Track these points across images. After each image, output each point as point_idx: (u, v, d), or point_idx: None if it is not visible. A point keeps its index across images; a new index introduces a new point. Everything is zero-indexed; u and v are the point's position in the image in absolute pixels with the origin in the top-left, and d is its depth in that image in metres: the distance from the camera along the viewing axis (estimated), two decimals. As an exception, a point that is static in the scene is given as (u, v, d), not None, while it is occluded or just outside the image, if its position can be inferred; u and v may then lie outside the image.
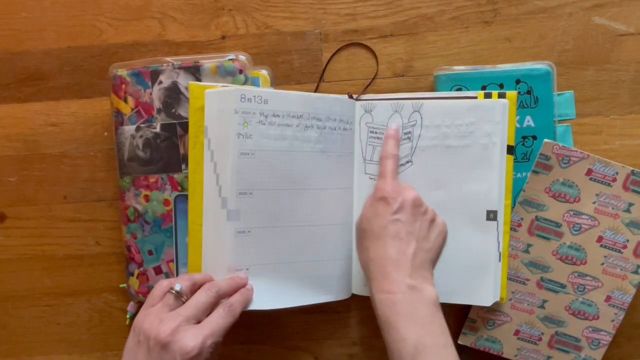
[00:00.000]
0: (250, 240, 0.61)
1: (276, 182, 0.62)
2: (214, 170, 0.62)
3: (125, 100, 0.66)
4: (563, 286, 0.68)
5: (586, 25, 0.69)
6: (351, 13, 0.70)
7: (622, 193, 0.66)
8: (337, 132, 0.65)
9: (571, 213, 0.67)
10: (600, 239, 0.67)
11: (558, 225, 0.68)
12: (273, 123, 0.61)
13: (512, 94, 0.64)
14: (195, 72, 0.65)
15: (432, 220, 0.60)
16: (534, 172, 0.67)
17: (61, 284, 0.73)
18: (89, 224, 0.72)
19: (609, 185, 0.66)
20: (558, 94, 0.67)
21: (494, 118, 0.64)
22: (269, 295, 0.63)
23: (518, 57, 0.69)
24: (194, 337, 0.53)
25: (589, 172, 0.66)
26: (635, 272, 0.67)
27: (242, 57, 0.65)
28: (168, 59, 0.66)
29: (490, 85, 0.66)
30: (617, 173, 0.66)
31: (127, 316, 0.72)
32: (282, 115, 0.62)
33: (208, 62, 0.65)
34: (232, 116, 0.60)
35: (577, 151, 0.66)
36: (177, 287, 0.57)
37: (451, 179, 0.65)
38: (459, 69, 0.68)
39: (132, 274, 0.68)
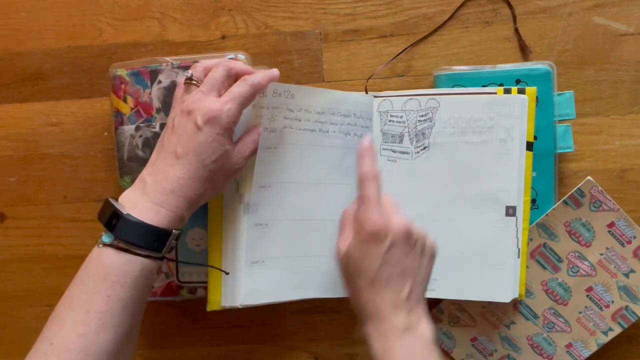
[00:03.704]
0: (267, 233, 0.62)
1: (294, 176, 0.63)
2: None
3: (125, 100, 0.66)
4: (536, 316, 0.69)
5: (586, 25, 0.69)
6: (351, 13, 0.70)
7: (630, 257, 0.67)
8: (356, 127, 0.66)
9: (576, 254, 0.68)
10: (590, 289, 0.68)
11: (560, 260, 0.68)
12: (296, 118, 0.62)
13: (531, 89, 0.64)
14: (195, 72, 0.65)
15: (423, 248, 0.58)
16: (564, 202, 0.67)
17: (61, 284, 0.72)
18: (89, 224, 0.72)
19: (622, 244, 0.67)
20: (558, 94, 0.67)
21: (513, 113, 0.64)
22: (284, 287, 0.63)
23: (518, 57, 0.69)
24: (214, 102, 0.55)
25: (611, 224, 0.67)
26: (605, 334, 0.68)
27: (241, 56, 0.65)
28: (167, 58, 0.66)
29: (490, 85, 0.66)
30: (634, 237, 0.67)
31: (127, 316, 0.72)
32: (304, 110, 0.62)
33: (207, 62, 0.65)
34: (251, 110, 0.61)
35: (611, 201, 0.66)
36: (189, 74, 0.58)
37: (470, 174, 0.65)
38: (459, 69, 0.68)
39: (132, 274, 0.68)
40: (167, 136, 0.57)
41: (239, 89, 0.56)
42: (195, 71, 0.58)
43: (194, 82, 0.58)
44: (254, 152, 0.59)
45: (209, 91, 0.56)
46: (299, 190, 0.63)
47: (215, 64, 0.58)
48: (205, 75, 0.58)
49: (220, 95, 0.57)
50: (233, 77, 0.59)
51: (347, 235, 0.59)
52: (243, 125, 0.61)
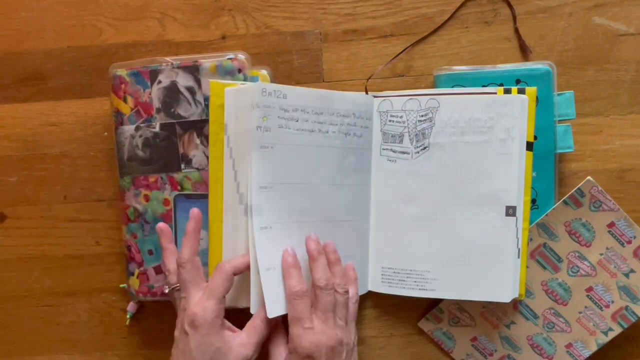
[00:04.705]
0: (272, 236, 0.61)
1: (295, 177, 0.63)
2: (233, 167, 0.62)
3: (125, 100, 0.66)
4: (536, 316, 0.69)
5: (586, 25, 0.69)
6: (351, 13, 0.70)
7: (630, 257, 0.67)
8: (356, 128, 0.66)
9: (576, 254, 0.68)
10: (590, 289, 0.68)
11: (560, 260, 0.68)
12: (292, 118, 0.62)
13: (531, 89, 0.64)
14: (194, 71, 0.65)
15: (352, 350, 0.62)
16: (564, 202, 0.67)
17: (61, 284, 0.73)
18: (89, 224, 0.72)
19: (622, 244, 0.67)
20: (558, 94, 0.67)
21: (513, 113, 0.64)
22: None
23: (518, 57, 0.69)
24: (194, 304, 0.59)
25: (611, 224, 0.67)
26: (605, 334, 0.68)
27: (241, 56, 0.65)
28: (167, 58, 0.66)
29: (490, 85, 0.66)
30: (634, 237, 0.66)
31: (127, 316, 0.72)
32: (300, 110, 0.62)
33: (207, 62, 0.65)
34: (251, 111, 0.60)
35: (611, 201, 0.66)
36: (166, 290, 0.63)
37: (470, 174, 0.65)
38: (459, 69, 0.68)
39: (132, 274, 0.68)
40: (174, 348, 0.60)
41: (213, 282, 0.59)
42: (172, 277, 0.62)
43: (177, 288, 0.62)
44: (263, 338, 0.60)
45: (188, 293, 0.60)
46: (301, 192, 0.63)
47: (178, 264, 0.61)
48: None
49: (200, 286, 0.60)
50: (196, 263, 0.61)
51: (281, 349, 0.61)
52: (241, 134, 0.61)
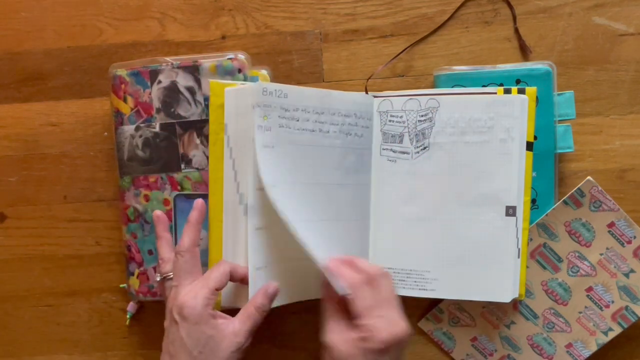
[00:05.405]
0: (269, 237, 0.61)
1: (295, 177, 0.62)
2: (233, 167, 0.62)
3: (125, 100, 0.66)
4: (536, 316, 0.69)
5: (586, 25, 0.69)
6: (351, 13, 0.70)
7: (630, 257, 0.67)
8: (356, 128, 0.66)
9: (576, 254, 0.68)
10: (590, 289, 0.68)
11: (560, 260, 0.68)
12: (293, 118, 0.62)
13: (531, 89, 0.64)
14: (194, 71, 0.65)
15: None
16: (564, 202, 0.67)
17: (61, 284, 0.73)
18: (89, 224, 0.72)
19: (622, 244, 0.67)
20: (558, 94, 0.67)
21: (513, 113, 0.64)
22: (289, 290, 0.63)
23: (518, 57, 0.69)
24: (186, 292, 0.58)
25: (611, 224, 0.67)
26: (605, 334, 0.68)
27: (241, 56, 0.65)
28: (167, 58, 0.66)
29: (490, 85, 0.66)
30: (634, 237, 0.67)
31: (127, 316, 0.72)
32: (301, 109, 0.62)
33: (207, 62, 0.65)
34: (252, 111, 0.60)
35: (611, 201, 0.66)
36: (158, 278, 0.62)
37: (470, 174, 0.65)
38: (459, 69, 0.68)
39: (132, 274, 0.68)
40: (164, 339, 0.59)
41: (210, 273, 0.59)
42: (166, 266, 0.61)
43: (169, 277, 0.61)
44: (255, 326, 0.59)
45: (181, 282, 0.59)
46: (302, 192, 0.63)
47: (176, 252, 0.60)
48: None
49: (194, 277, 0.59)
50: (195, 253, 0.60)
51: (348, 336, 0.57)
52: (241, 136, 0.61)
